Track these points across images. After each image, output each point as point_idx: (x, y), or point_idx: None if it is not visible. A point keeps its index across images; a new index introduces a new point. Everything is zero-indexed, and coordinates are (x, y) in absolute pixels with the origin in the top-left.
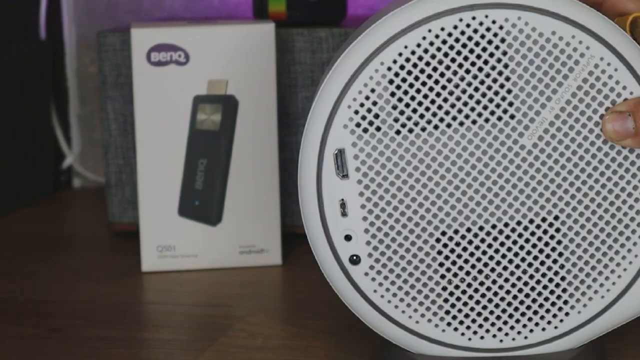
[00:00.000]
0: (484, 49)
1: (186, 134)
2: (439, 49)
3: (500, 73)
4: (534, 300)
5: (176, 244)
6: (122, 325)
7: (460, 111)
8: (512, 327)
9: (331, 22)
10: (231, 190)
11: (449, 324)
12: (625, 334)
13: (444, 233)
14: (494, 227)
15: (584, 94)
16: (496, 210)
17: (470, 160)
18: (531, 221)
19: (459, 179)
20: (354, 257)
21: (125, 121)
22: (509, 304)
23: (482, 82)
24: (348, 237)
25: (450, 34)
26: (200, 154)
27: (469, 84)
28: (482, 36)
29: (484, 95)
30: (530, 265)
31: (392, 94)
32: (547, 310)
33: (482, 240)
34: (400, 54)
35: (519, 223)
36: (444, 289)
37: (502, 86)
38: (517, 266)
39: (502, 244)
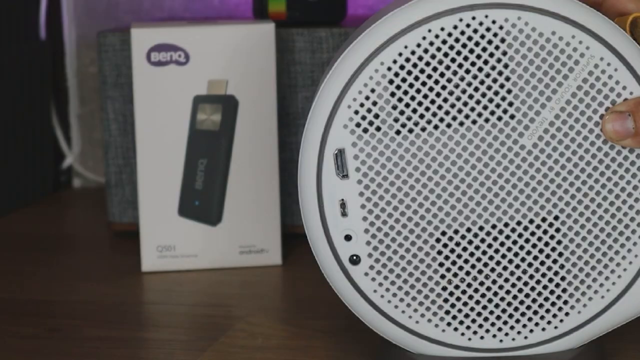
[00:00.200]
0: (484, 49)
1: (186, 134)
2: (439, 49)
3: (500, 73)
4: (534, 300)
5: (176, 244)
6: (122, 325)
7: (460, 111)
8: (512, 327)
9: (331, 22)
10: (231, 190)
11: (449, 324)
12: (625, 334)
13: (444, 233)
14: (494, 227)
15: (584, 94)
16: (496, 210)
17: (470, 160)
18: (531, 221)
19: (459, 179)
20: (354, 257)
21: (125, 121)
22: (509, 304)
23: (482, 82)
24: (348, 237)
25: (450, 34)
26: (200, 154)
27: (469, 84)
28: (482, 36)
29: (484, 95)
30: (530, 265)
31: (392, 94)
32: (547, 310)
33: (482, 240)
34: (400, 54)
35: (519, 223)
36: (444, 289)
37: (502, 86)
38: (517, 266)
39: (502, 244)
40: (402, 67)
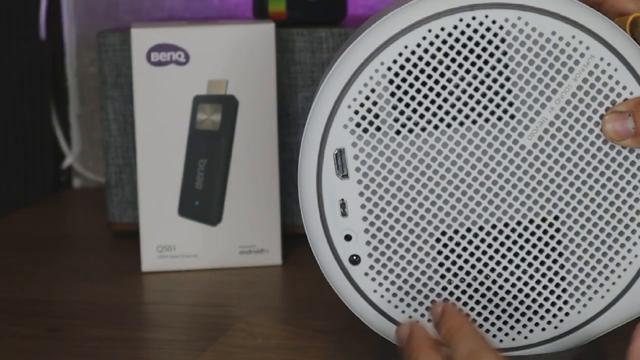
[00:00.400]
0: (484, 49)
1: (186, 134)
2: (439, 49)
3: (500, 73)
4: (534, 301)
5: (176, 244)
6: (122, 325)
7: (460, 111)
8: (512, 327)
9: (331, 22)
10: (231, 190)
11: None
12: (625, 334)
13: (444, 233)
14: (494, 227)
15: (584, 94)
16: (496, 210)
17: (470, 160)
18: (531, 221)
19: (459, 179)
20: (354, 257)
21: (125, 121)
22: (509, 304)
23: (482, 82)
24: (348, 237)
25: (450, 34)
26: (200, 154)
27: (469, 84)
28: (482, 36)
29: (484, 95)
30: (530, 265)
31: (392, 94)
32: (547, 310)
33: (482, 240)
34: (400, 54)
35: (519, 223)
36: (444, 288)
37: (502, 86)
38: (517, 266)
39: (502, 244)
40: (402, 67)
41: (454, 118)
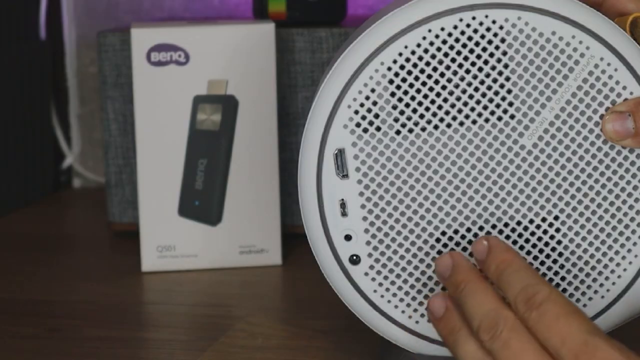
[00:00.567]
0: (484, 49)
1: (186, 134)
2: (439, 49)
3: (500, 73)
4: None
5: (176, 244)
6: (122, 325)
7: (460, 111)
8: None
9: (331, 22)
10: (231, 190)
11: None
12: (626, 333)
13: (444, 233)
14: (494, 227)
15: (584, 94)
16: (496, 210)
17: (470, 160)
18: (531, 221)
19: (459, 179)
20: (354, 257)
21: (125, 121)
22: None
23: (482, 82)
24: (348, 237)
25: (450, 34)
26: (200, 154)
27: (469, 84)
28: (482, 36)
29: (484, 95)
30: (530, 265)
31: (392, 94)
32: None
33: None
34: (400, 54)
35: (519, 223)
36: (444, 288)
37: (502, 86)
38: None
39: None
40: (402, 67)
41: (454, 118)
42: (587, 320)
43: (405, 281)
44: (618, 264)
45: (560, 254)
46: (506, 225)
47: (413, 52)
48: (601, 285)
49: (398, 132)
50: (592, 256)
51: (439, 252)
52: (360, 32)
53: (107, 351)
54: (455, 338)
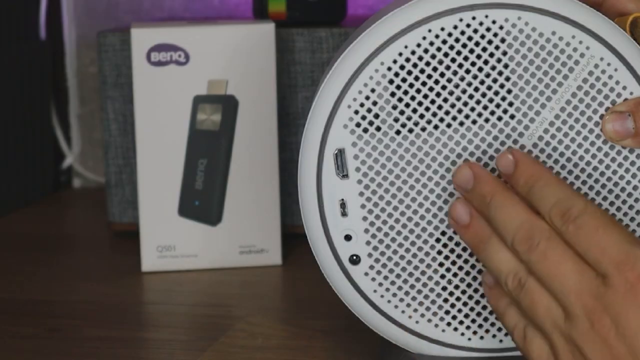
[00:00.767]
0: (484, 49)
1: (186, 134)
2: (439, 49)
3: (500, 73)
4: None
5: (176, 244)
6: (122, 325)
7: (460, 111)
8: None
9: (331, 22)
10: (231, 190)
11: (449, 324)
12: None
13: (444, 233)
14: None
15: (584, 94)
16: None
17: (470, 160)
18: None
19: None
20: (354, 257)
21: (125, 121)
22: None
23: (482, 82)
24: (348, 237)
25: (450, 34)
26: (200, 154)
27: (469, 84)
28: (482, 36)
29: (484, 95)
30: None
31: (392, 94)
32: None
33: None
34: (400, 54)
35: None
36: (444, 288)
37: (502, 86)
38: None
39: None
40: (402, 67)
41: (454, 118)
42: (626, 231)
43: (405, 281)
44: None
45: None
46: None
47: (413, 52)
48: None
49: (398, 132)
50: None
51: (439, 252)
52: (360, 32)
53: (107, 351)
54: (486, 246)
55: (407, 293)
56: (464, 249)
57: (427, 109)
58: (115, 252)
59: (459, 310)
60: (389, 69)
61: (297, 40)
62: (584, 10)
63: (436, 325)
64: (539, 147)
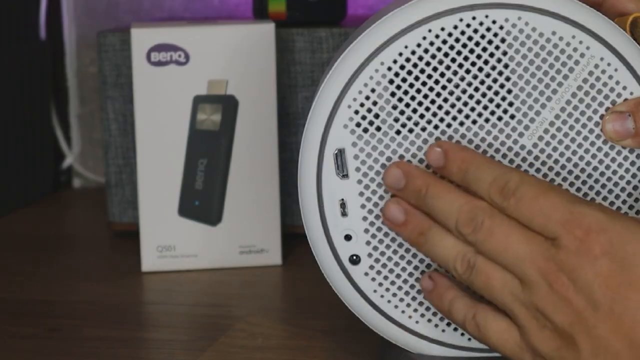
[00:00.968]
0: (484, 49)
1: (186, 134)
2: (439, 49)
3: (500, 73)
4: None
5: (176, 244)
6: (122, 325)
7: (460, 111)
8: None
9: (331, 22)
10: (231, 190)
11: (448, 324)
12: None
13: None
14: None
15: (584, 94)
16: None
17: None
18: None
19: None
20: (354, 257)
21: (125, 121)
22: None
23: (482, 82)
24: (348, 237)
25: (450, 34)
26: (200, 154)
27: (469, 84)
28: (483, 36)
29: (484, 95)
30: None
31: (393, 94)
32: None
33: None
34: (400, 54)
35: None
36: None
37: (502, 86)
38: None
39: None
40: (402, 67)
41: (454, 118)
42: (565, 193)
43: (405, 281)
44: None
45: None
46: None
47: (413, 52)
48: None
49: (398, 132)
50: None
51: None
52: (360, 32)
53: (107, 351)
54: (427, 237)
55: (407, 293)
56: None
57: (427, 109)
58: (115, 252)
59: None
60: (389, 69)
61: (297, 40)
62: (584, 10)
63: (436, 325)
64: (539, 147)
